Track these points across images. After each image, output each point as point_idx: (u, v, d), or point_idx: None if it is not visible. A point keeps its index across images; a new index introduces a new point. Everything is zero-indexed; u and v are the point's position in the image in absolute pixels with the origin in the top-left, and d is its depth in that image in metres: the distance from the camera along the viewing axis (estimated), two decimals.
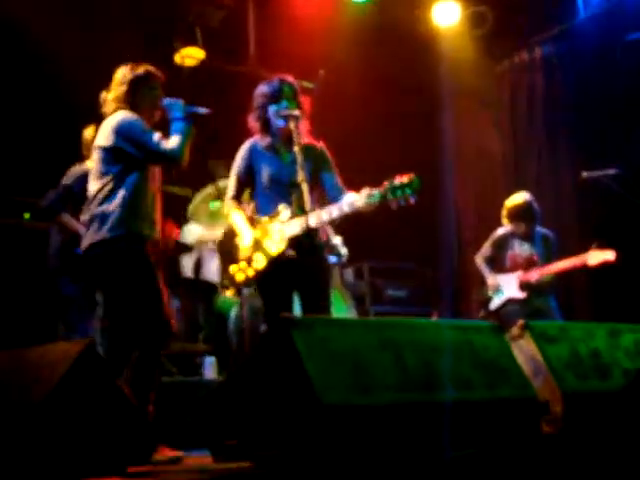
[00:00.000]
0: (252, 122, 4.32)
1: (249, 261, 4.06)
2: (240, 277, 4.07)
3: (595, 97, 6.98)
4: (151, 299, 3.75)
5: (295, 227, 3.96)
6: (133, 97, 3.96)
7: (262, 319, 5.86)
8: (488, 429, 2.91)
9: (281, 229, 4.00)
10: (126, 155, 3.83)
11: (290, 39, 6.70)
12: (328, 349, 2.71)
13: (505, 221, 5.91)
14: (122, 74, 4.01)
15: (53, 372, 2.70)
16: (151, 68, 4.05)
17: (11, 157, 5.81)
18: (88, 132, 4.92)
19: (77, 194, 4.78)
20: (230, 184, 4.31)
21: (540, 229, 5.86)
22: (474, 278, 8.09)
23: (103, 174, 3.87)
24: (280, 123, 4.15)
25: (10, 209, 5.30)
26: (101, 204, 3.82)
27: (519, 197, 5.83)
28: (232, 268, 4.11)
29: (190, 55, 6.19)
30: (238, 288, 4.21)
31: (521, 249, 5.84)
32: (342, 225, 6.48)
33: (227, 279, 4.15)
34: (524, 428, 3.04)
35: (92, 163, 4.87)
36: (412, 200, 3.73)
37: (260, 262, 4.02)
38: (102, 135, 3.93)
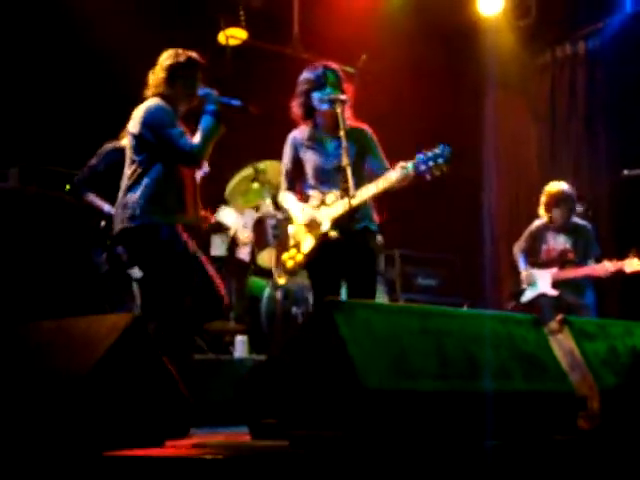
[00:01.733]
0: (295, 108, 4.34)
1: (298, 246, 4.12)
2: (290, 264, 4.14)
3: (637, 94, 6.92)
4: (174, 286, 3.79)
5: (338, 208, 4.00)
6: (171, 85, 3.97)
7: (294, 302, 5.92)
8: (525, 421, 2.92)
9: (327, 212, 4.06)
10: (150, 145, 3.86)
11: (333, 22, 6.69)
12: (371, 333, 2.72)
13: (542, 210, 5.89)
14: (164, 59, 4.01)
15: (100, 344, 2.74)
16: (194, 55, 4.05)
17: (56, 128, 5.87)
18: None
19: (103, 173, 4.84)
20: (282, 179, 4.38)
21: (577, 220, 5.84)
22: (506, 269, 8.09)
23: (132, 161, 3.92)
24: (324, 107, 4.16)
25: (53, 180, 5.34)
26: (126, 193, 3.86)
27: (557, 185, 5.84)
28: (284, 255, 4.19)
29: (234, 35, 6.20)
30: (289, 275, 4.27)
31: (556, 242, 5.83)
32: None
33: (280, 267, 4.21)
34: (561, 422, 3.04)
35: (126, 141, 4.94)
36: (445, 169, 3.83)
37: (307, 245, 4.07)
38: (132, 121, 3.95)
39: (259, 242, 6.30)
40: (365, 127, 4.32)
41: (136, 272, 4.64)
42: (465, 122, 7.85)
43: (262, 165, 6.13)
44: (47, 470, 2.42)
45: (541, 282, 5.81)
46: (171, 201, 3.88)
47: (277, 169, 5.67)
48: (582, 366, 3.29)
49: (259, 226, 6.35)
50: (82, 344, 2.81)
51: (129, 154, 3.94)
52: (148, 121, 3.86)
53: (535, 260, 5.91)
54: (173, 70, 3.98)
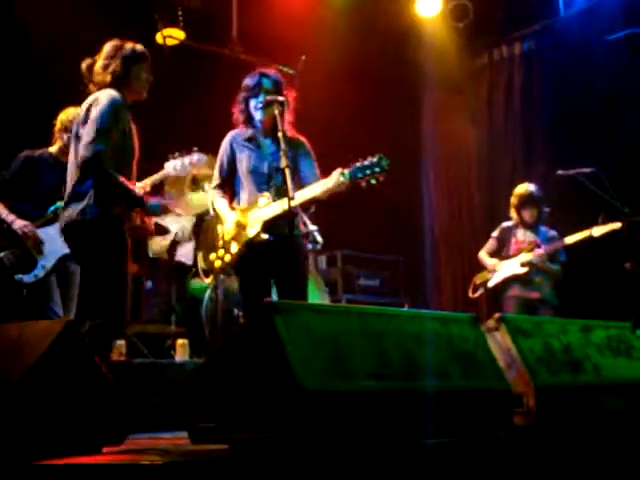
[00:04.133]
0: (236, 115, 4.38)
1: (227, 248, 4.12)
2: (218, 264, 4.14)
3: (572, 95, 7.06)
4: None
5: (271, 210, 4.03)
6: (127, 74, 3.88)
7: (235, 303, 5.89)
8: (464, 418, 2.94)
9: (257, 214, 4.08)
10: None
11: (272, 23, 6.68)
12: (309, 335, 2.72)
13: (512, 211, 6.01)
14: (115, 47, 3.91)
15: (33, 350, 2.68)
16: (144, 48, 3.99)
17: None
18: (65, 114, 4.87)
19: (8, 181, 4.79)
20: (214, 174, 4.38)
21: (545, 229, 5.97)
22: (446, 269, 8.20)
23: None
24: (259, 115, 4.24)
25: None
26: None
27: (525, 187, 5.98)
28: (211, 256, 4.18)
29: (171, 35, 6.15)
30: (216, 275, 4.24)
31: (525, 236, 5.96)
32: (318, 213, 6.54)
33: (207, 266, 4.17)
34: (498, 419, 3.08)
35: (54, 148, 4.86)
36: (381, 178, 3.93)
37: (235, 247, 4.08)
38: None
39: (199, 243, 6.26)
40: (302, 138, 4.39)
41: (24, 278, 4.61)
42: (404, 123, 7.91)
43: (203, 171, 6.08)
44: None
45: (508, 265, 5.91)
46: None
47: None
48: (519, 363, 3.34)
49: (199, 227, 6.31)
50: (14, 350, 2.75)
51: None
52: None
53: (503, 256, 6.02)
54: (129, 60, 3.87)
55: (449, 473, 2.69)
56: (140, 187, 4.03)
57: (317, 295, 6.15)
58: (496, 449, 2.93)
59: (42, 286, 4.72)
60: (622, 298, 5.17)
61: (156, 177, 4.67)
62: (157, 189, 5.36)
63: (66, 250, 4.70)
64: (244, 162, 4.25)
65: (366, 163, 3.93)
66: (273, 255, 4.04)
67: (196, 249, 6.32)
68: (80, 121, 3.84)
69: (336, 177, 3.94)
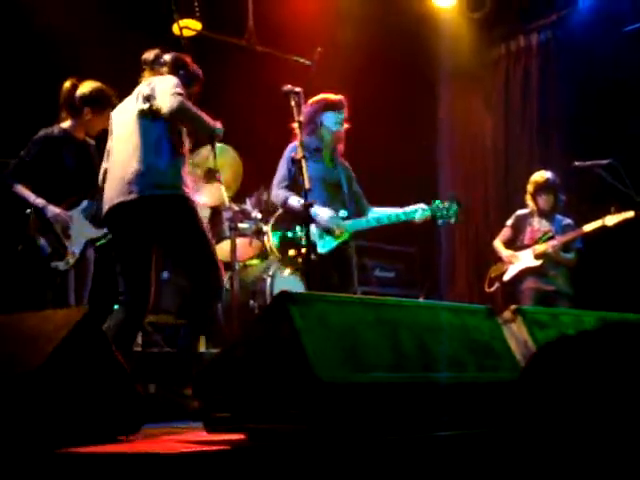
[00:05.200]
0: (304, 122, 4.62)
1: (313, 247, 4.51)
2: (300, 260, 4.54)
3: (589, 87, 7.02)
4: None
5: (358, 224, 4.75)
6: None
7: (251, 294, 5.90)
8: (479, 410, 2.94)
9: (341, 224, 4.64)
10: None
11: (289, 15, 6.67)
12: (325, 325, 2.72)
13: (528, 198, 5.99)
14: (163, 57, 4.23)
15: (51, 339, 2.70)
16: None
17: None
18: (82, 88, 4.84)
19: (30, 163, 4.71)
20: (281, 176, 4.77)
21: (561, 217, 5.95)
22: (461, 260, 8.18)
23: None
24: (335, 128, 4.80)
25: None
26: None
27: (543, 174, 6.00)
28: (292, 251, 4.55)
29: (188, 26, 6.13)
30: (297, 269, 4.76)
31: (540, 225, 5.95)
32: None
33: (288, 259, 4.61)
34: (514, 410, 3.07)
35: (66, 124, 4.83)
36: (452, 221, 4.86)
37: (323, 249, 4.58)
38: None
39: (215, 234, 6.26)
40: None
41: (60, 265, 4.58)
42: (420, 113, 7.89)
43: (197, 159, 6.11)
44: None
45: (523, 257, 5.91)
46: None
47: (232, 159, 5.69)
48: None
49: (215, 218, 6.32)
50: (33, 339, 2.77)
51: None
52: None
53: (518, 247, 6.02)
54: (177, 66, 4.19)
55: (464, 465, 2.69)
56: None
57: None
58: (511, 440, 2.92)
59: (64, 276, 4.70)
60: (638, 288, 5.15)
61: None
62: None
63: (90, 235, 4.72)
64: (310, 170, 4.52)
65: (445, 204, 4.80)
66: (338, 258, 4.67)
67: (212, 239, 6.33)
68: (141, 99, 4.01)
69: (421, 212, 4.75)
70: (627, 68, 6.76)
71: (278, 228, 4.72)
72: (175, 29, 6.01)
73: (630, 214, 5.43)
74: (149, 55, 4.22)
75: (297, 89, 4.15)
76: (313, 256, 4.41)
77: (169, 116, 3.87)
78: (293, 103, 4.09)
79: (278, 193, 4.70)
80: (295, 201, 4.60)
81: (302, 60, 5.82)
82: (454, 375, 2.95)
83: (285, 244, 4.63)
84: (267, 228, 4.85)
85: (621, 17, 6.95)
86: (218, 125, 4.14)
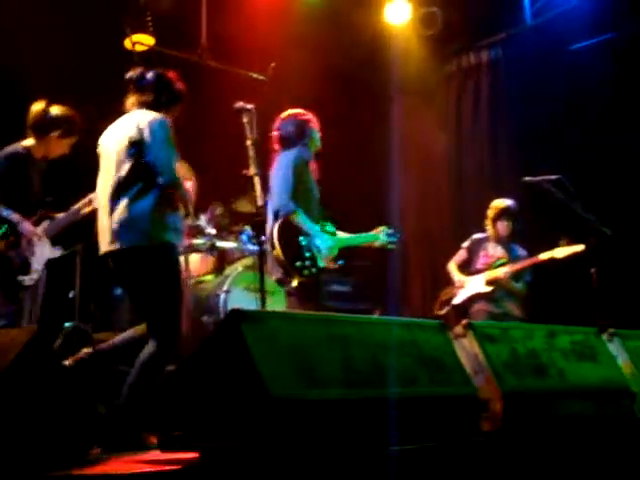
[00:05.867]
0: (293, 132, 4.83)
1: (314, 262, 4.62)
2: (306, 273, 4.57)
3: (538, 103, 7.16)
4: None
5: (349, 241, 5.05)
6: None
7: (205, 310, 5.87)
8: (431, 425, 2.97)
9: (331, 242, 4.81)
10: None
11: (242, 30, 6.69)
12: (277, 342, 2.73)
13: (487, 223, 6.09)
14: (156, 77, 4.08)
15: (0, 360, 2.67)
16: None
17: None
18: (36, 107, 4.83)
19: None
20: (292, 186, 4.63)
21: (516, 246, 6.05)
22: (415, 275, 8.25)
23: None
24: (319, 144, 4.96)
25: None
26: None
27: (503, 201, 6.10)
28: (299, 263, 4.55)
29: (140, 41, 6.12)
30: (303, 280, 4.61)
31: (495, 251, 6.04)
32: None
33: (294, 270, 4.56)
34: (465, 425, 3.11)
35: (28, 143, 4.80)
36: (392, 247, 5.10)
37: (325, 263, 4.74)
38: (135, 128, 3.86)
39: None
40: None
41: (25, 279, 4.55)
42: (373, 130, 7.95)
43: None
44: None
45: (473, 284, 5.99)
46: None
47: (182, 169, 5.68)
48: (485, 369, 3.38)
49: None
50: None
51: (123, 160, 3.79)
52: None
53: (471, 270, 6.10)
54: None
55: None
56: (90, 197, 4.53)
57: (286, 303, 6.14)
58: (464, 455, 2.96)
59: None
60: (587, 305, 5.25)
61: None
62: None
63: (50, 254, 4.68)
64: (310, 182, 4.77)
65: (391, 231, 5.12)
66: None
67: None
68: (127, 141, 3.87)
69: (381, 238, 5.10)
70: (574, 85, 6.92)
71: (284, 237, 4.63)
72: (127, 44, 6.00)
73: (579, 248, 5.55)
74: (133, 74, 4.08)
75: (249, 106, 4.17)
76: (314, 270, 4.60)
77: (164, 185, 3.74)
78: (246, 120, 4.10)
79: (289, 204, 4.62)
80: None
81: (256, 76, 5.85)
82: (406, 390, 2.98)
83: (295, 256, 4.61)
84: (275, 237, 4.65)
85: (568, 35, 7.11)
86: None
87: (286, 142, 4.80)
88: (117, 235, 3.68)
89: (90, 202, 4.77)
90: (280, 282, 4.70)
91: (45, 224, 4.74)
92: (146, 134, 3.73)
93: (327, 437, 2.65)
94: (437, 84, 8.21)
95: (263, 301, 3.98)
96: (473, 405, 3.19)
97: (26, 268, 4.61)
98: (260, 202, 3.81)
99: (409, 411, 2.92)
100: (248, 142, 3.99)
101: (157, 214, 3.69)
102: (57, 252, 4.77)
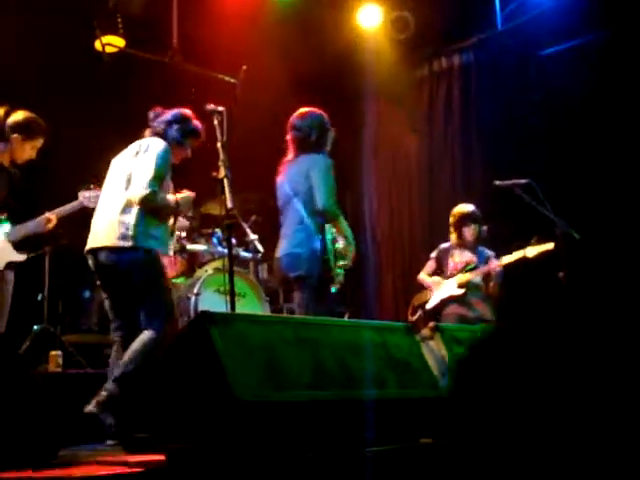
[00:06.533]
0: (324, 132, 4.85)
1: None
2: (341, 278, 4.65)
3: (508, 107, 7.21)
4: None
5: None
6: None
7: (179, 312, 5.85)
8: (399, 426, 2.99)
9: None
10: None
11: (214, 32, 6.67)
12: (245, 345, 2.73)
13: (451, 230, 6.15)
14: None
15: None
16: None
17: None
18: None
19: None
20: (334, 192, 4.65)
21: (484, 249, 6.09)
22: (387, 279, 8.27)
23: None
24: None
25: None
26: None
27: (465, 206, 6.15)
28: (339, 269, 4.62)
29: (111, 43, 6.09)
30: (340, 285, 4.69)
31: (462, 256, 6.09)
32: (258, 222, 6.55)
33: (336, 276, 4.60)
34: (432, 427, 3.13)
35: None
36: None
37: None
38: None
39: None
40: None
41: None
42: (345, 133, 7.94)
43: None
44: None
45: (447, 286, 6.02)
46: None
47: None
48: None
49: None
50: None
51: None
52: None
53: (441, 277, 6.13)
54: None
55: None
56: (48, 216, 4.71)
57: (257, 305, 6.14)
58: (429, 456, 2.98)
59: None
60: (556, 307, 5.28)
61: (67, 208, 4.79)
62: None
63: (10, 257, 4.68)
64: None
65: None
66: None
67: None
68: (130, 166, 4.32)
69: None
70: (544, 90, 6.98)
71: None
72: (97, 45, 5.96)
73: (550, 246, 5.60)
74: (151, 113, 4.48)
75: (220, 108, 4.17)
76: (340, 270, 4.61)
77: (137, 204, 4.11)
78: (216, 122, 4.10)
79: (337, 208, 4.65)
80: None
81: (227, 78, 5.83)
82: (375, 392, 3.00)
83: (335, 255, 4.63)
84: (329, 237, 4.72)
85: (538, 40, 7.17)
86: (180, 197, 4.32)
87: (308, 144, 4.76)
88: (125, 236, 4.08)
89: (49, 220, 4.81)
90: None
91: (5, 228, 4.74)
92: (140, 159, 4.25)
93: (296, 439, 2.65)
94: (409, 88, 8.23)
95: (233, 304, 3.96)
96: (440, 407, 3.21)
97: None
98: (230, 204, 3.80)
99: (378, 413, 2.93)
100: (218, 144, 3.98)
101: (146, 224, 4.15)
102: (20, 256, 4.79)
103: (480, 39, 7.76)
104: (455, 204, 6.32)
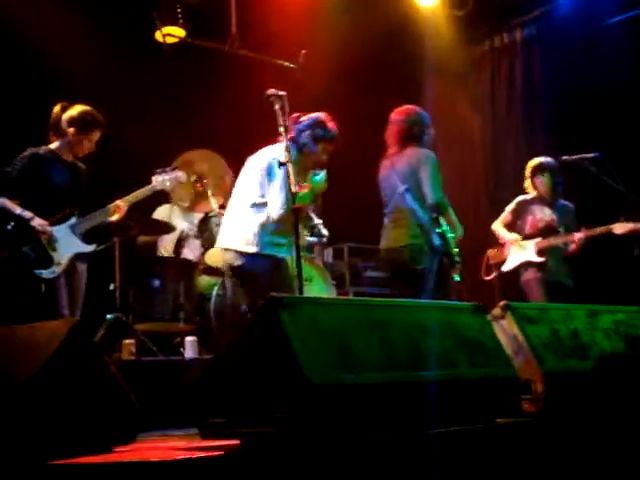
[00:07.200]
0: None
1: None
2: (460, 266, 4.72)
3: (574, 80, 7.04)
4: None
5: None
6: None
7: (243, 299, 5.90)
8: (471, 407, 2.96)
9: None
10: None
11: (271, 18, 6.68)
12: (315, 328, 2.73)
13: (528, 183, 5.94)
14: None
15: (42, 351, 2.70)
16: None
17: None
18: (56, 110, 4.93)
19: (15, 178, 4.78)
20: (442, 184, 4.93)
21: (562, 201, 5.91)
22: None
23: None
24: None
25: None
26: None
27: (538, 158, 5.95)
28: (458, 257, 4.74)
29: (171, 33, 6.15)
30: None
31: (542, 213, 5.87)
32: (323, 207, 6.55)
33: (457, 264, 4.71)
34: (506, 406, 3.09)
35: (54, 145, 4.91)
36: None
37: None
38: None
39: (205, 241, 6.28)
40: None
41: (43, 272, 4.64)
42: None
43: (199, 168, 6.15)
44: None
45: (526, 249, 5.82)
46: None
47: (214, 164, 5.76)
48: (525, 350, 3.35)
49: (204, 225, 6.33)
50: (24, 351, 2.77)
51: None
52: None
53: (519, 232, 5.91)
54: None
55: (457, 462, 2.70)
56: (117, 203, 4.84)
57: (324, 288, 6.16)
58: (504, 437, 2.94)
59: (52, 285, 4.75)
60: (630, 283, 5.17)
61: (139, 193, 4.86)
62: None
63: (78, 249, 4.80)
64: None
65: None
66: None
67: (202, 245, 6.34)
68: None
69: None
70: (610, 61, 6.79)
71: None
72: (158, 36, 6.03)
73: None
74: (290, 119, 4.50)
75: (281, 93, 4.17)
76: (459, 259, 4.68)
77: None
78: (277, 107, 4.11)
79: (445, 199, 4.88)
80: None
81: (286, 63, 5.84)
82: (446, 373, 2.97)
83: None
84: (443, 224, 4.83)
85: (603, 10, 6.98)
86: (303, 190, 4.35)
87: (412, 138, 4.94)
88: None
89: (119, 207, 4.88)
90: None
91: (72, 221, 4.84)
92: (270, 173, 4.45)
93: (367, 421, 2.65)
94: (470, 65, 8.12)
95: (301, 288, 3.97)
96: (513, 386, 3.17)
97: (46, 262, 4.70)
98: (294, 189, 3.81)
99: (449, 393, 2.91)
100: (281, 129, 3.98)
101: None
102: (88, 247, 4.90)
103: (542, 12, 7.60)
104: (518, 184, 6.20)
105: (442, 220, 4.72)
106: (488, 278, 6.04)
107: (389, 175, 4.93)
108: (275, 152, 4.32)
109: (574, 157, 5.53)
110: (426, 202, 4.74)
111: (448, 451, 2.71)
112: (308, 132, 4.51)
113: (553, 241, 5.75)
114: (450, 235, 4.70)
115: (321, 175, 4.55)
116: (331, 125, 4.60)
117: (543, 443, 2.99)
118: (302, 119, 4.57)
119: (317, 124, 4.54)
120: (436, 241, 4.68)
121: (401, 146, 4.90)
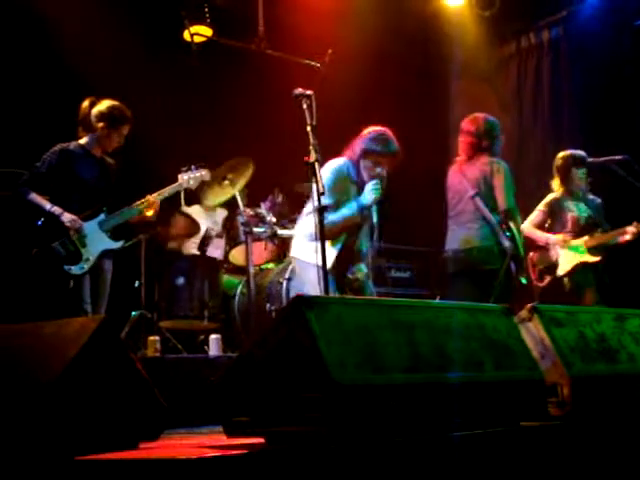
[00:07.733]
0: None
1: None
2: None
3: (601, 82, 6.99)
4: None
5: None
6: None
7: (267, 297, 5.91)
8: (497, 409, 2.94)
9: None
10: None
11: (298, 18, 6.69)
12: (341, 328, 2.73)
13: (556, 181, 5.85)
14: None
15: (69, 347, 2.72)
16: None
17: (8, 129, 5.81)
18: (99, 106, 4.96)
19: (44, 174, 4.81)
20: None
21: (594, 197, 5.83)
22: None
23: None
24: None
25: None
26: None
27: (567, 151, 5.88)
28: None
29: (199, 32, 6.17)
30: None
31: (579, 210, 5.74)
32: None
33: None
34: (532, 409, 3.07)
35: (83, 140, 4.94)
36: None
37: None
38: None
39: (230, 239, 6.30)
40: None
41: (72, 268, 4.67)
42: (432, 114, 7.88)
43: (232, 162, 6.14)
44: (18, 477, 2.40)
45: (577, 250, 5.67)
46: None
47: (245, 165, 5.74)
48: (552, 353, 3.32)
49: (229, 223, 6.35)
50: (51, 347, 2.79)
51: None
52: None
53: (560, 230, 5.78)
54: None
55: (481, 465, 2.69)
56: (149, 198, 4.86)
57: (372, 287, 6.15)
58: (529, 440, 2.92)
59: (79, 281, 4.78)
60: None
61: (166, 191, 4.88)
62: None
63: (106, 246, 4.83)
64: None
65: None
66: None
67: (227, 244, 6.36)
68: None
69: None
70: (637, 62, 6.74)
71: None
72: (186, 35, 6.06)
73: None
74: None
75: (308, 92, 4.17)
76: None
77: None
78: (305, 106, 4.10)
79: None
80: None
81: (313, 63, 5.83)
82: (471, 375, 2.95)
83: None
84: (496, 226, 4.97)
85: (631, 10, 6.92)
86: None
87: (482, 149, 5.18)
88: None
89: (154, 203, 4.90)
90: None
91: (101, 217, 4.86)
92: None
93: (392, 422, 2.64)
94: (497, 66, 8.08)
95: (326, 287, 3.97)
96: (540, 389, 3.14)
97: (75, 258, 4.71)
98: (322, 189, 3.81)
99: (475, 396, 2.89)
100: (308, 128, 3.98)
101: None
102: (116, 244, 4.93)
103: (569, 12, 7.55)
104: (545, 184, 6.13)
105: (512, 225, 4.92)
106: (542, 284, 5.78)
107: (459, 180, 5.16)
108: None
109: (601, 159, 5.49)
110: (497, 207, 4.97)
111: (472, 454, 2.70)
112: (362, 146, 4.65)
113: (604, 238, 5.62)
114: (519, 239, 4.89)
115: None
116: (381, 140, 4.67)
117: (569, 447, 2.97)
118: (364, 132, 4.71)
119: (372, 139, 4.66)
120: (506, 243, 4.85)
121: (471, 156, 5.17)
